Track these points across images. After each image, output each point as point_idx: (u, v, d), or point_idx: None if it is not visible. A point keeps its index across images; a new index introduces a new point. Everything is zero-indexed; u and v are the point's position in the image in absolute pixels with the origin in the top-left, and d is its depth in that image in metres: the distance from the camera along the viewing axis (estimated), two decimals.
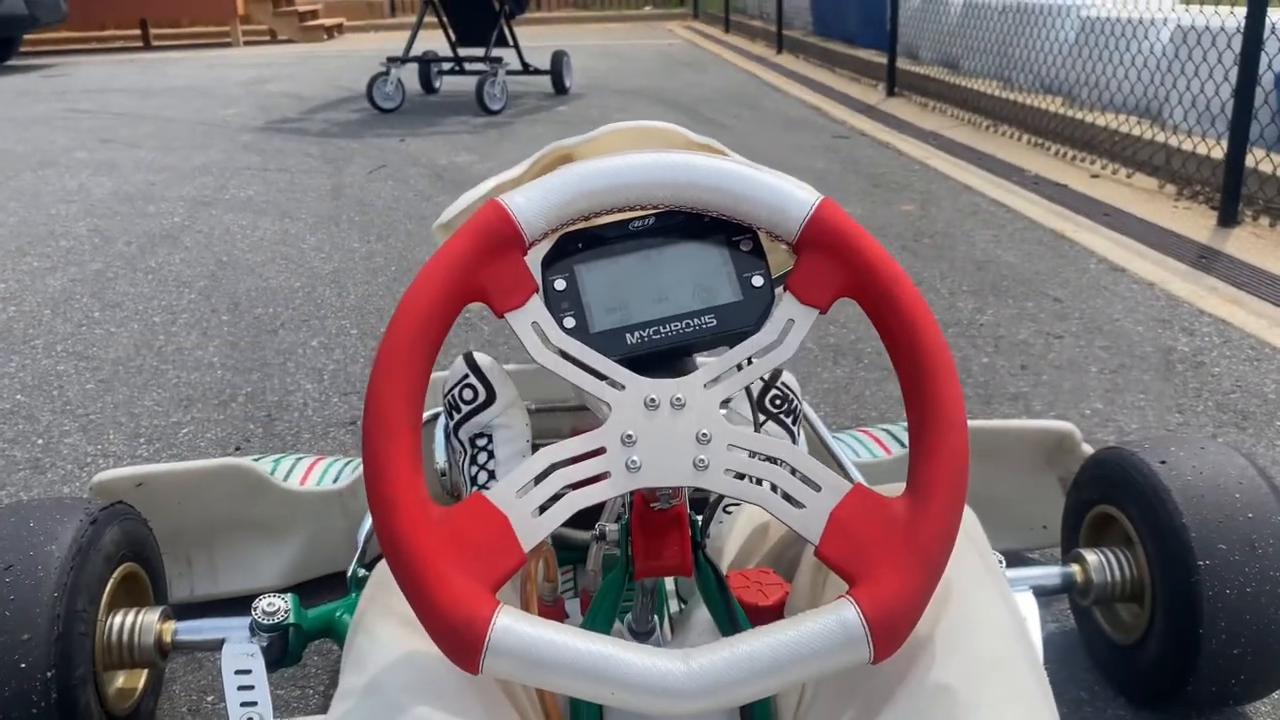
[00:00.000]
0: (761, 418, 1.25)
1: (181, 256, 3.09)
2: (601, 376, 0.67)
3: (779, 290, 0.70)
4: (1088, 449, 1.39)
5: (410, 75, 6.47)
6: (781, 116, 5.61)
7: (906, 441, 1.49)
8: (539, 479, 0.65)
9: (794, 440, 1.28)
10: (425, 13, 6.17)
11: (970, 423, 1.49)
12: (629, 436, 0.65)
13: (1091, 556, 1.17)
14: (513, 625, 0.59)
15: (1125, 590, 1.15)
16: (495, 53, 6.04)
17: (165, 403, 2.06)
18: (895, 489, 0.67)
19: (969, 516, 0.82)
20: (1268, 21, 3.05)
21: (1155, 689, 1.14)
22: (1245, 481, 1.11)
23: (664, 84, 7.09)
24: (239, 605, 1.19)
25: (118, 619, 1.06)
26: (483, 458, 1.23)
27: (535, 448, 1.38)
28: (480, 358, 1.27)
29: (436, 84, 6.72)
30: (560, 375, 0.67)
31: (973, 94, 5.42)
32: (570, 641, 0.59)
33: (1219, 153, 3.30)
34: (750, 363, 0.69)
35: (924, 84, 6.02)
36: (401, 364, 0.64)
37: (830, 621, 0.61)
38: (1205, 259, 2.90)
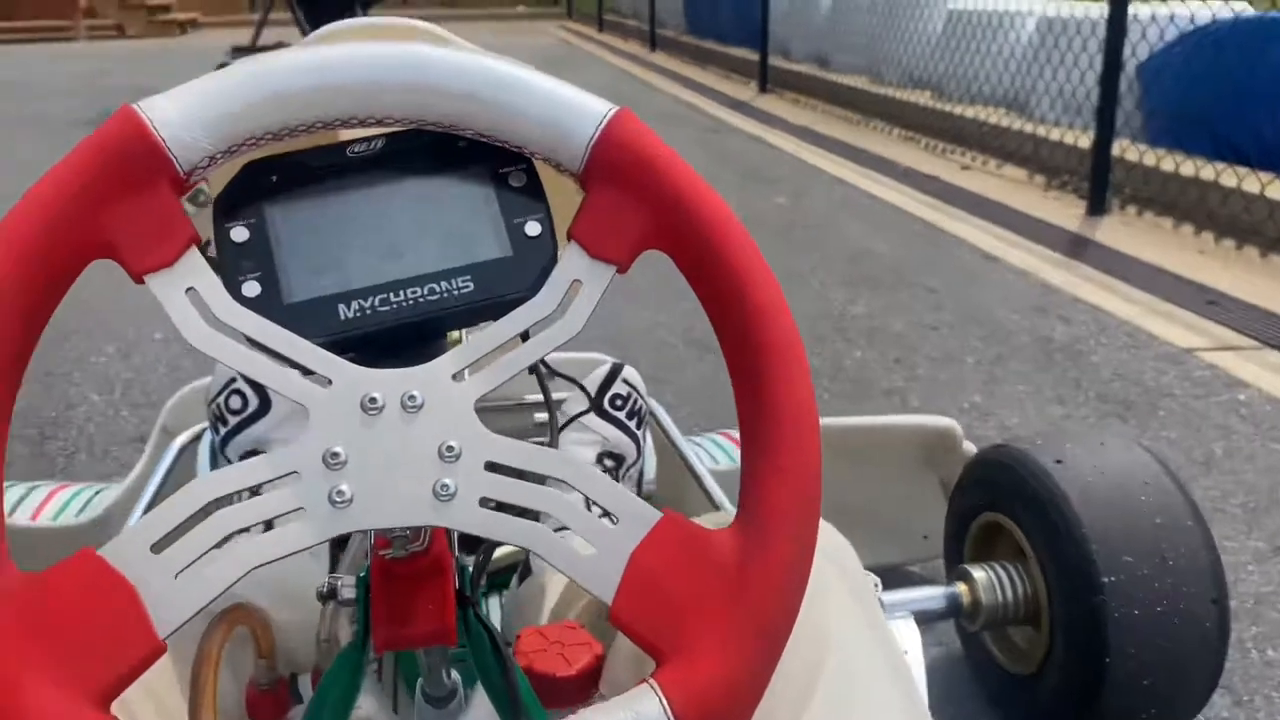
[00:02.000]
0: (601, 422, 1.05)
1: None
2: (297, 367, 0.45)
3: (563, 241, 0.50)
4: (970, 448, 1.23)
5: None
6: (655, 112, 5.45)
7: None
8: (190, 522, 0.43)
9: (639, 448, 1.08)
10: (275, 2, 5.82)
11: (840, 420, 1.32)
12: (334, 456, 0.44)
13: (979, 574, 1.01)
14: None
15: (1019, 612, 0.99)
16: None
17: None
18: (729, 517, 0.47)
19: (834, 537, 0.63)
20: (1130, 11, 3.02)
21: None
22: (1151, 482, 0.95)
23: None
24: None
25: None
26: None
27: None
28: None
29: None
30: (229, 365, 0.45)
31: (844, 89, 5.36)
32: None
33: (1086, 142, 3.26)
34: (524, 340, 0.48)
35: (796, 80, 5.96)
36: None
37: None
38: (1077, 247, 2.84)
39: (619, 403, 1.06)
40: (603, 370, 1.08)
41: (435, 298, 0.48)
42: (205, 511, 0.43)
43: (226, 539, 0.43)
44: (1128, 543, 0.91)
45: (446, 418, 0.45)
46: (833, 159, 4.11)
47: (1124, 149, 3.18)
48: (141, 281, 0.45)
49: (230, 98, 0.45)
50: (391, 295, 0.48)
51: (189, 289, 0.45)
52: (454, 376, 0.46)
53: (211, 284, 0.45)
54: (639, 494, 1.15)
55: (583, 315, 0.47)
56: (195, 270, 0.45)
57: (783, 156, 4.15)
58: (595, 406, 1.05)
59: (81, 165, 0.44)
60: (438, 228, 0.49)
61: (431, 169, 0.50)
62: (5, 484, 1.17)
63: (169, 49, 9.16)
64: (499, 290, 0.49)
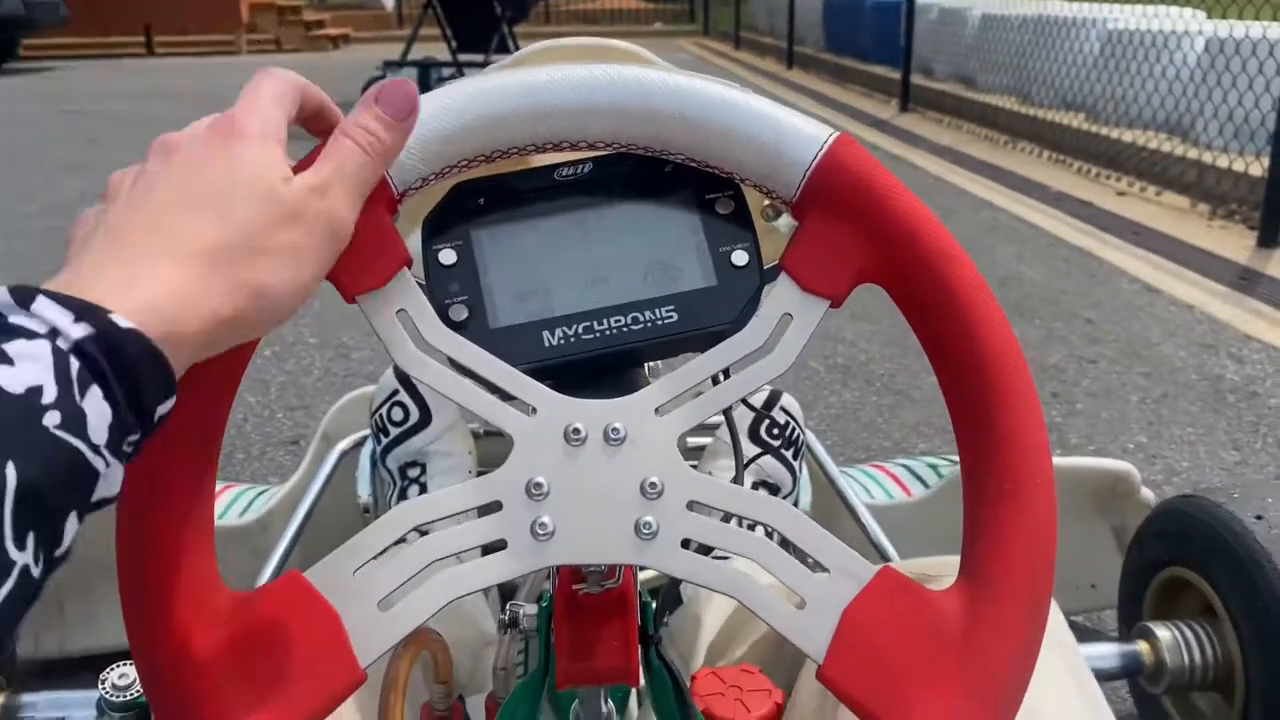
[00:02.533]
0: (756, 450, 1.02)
1: (83, 186, 2.88)
2: (502, 394, 0.44)
3: (771, 272, 0.48)
4: (1149, 495, 1.15)
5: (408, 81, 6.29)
6: None
7: (930, 479, 1.27)
8: (393, 549, 0.42)
9: (795, 479, 1.05)
10: (424, 18, 5.99)
11: None
12: (537, 487, 0.43)
13: (1163, 632, 0.94)
14: None
15: (1207, 676, 0.92)
16: (496, 59, 5.86)
17: None
18: (942, 565, 0.44)
19: None
20: None
21: None
22: None
23: None
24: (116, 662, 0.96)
25: None
26: (413, 491, 1.01)
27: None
28: None
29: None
30: (438, 390, 0.44)
31: (989, 109, 5.20)
32: None
33: (1258, 170, 3.07)
34: (727, 376, 0.46)
35: (939, 99, 5.81)
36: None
37: None
38: (1246, 281, 2.67)
39: (776, 431, 1.03)
40: (760, 396, 1.05)
41: (639, 327, 0.47)
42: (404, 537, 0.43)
43: (427, 568, 0.42)
44: None
45: (649, 453, 0.44)
46: (979, 180, 3.98)
47: None
48: (353, 301, 0.44)
49: (445, 120, 0.44)
50: (595, 323, 0.47)
51: (399, 310, 0.44)
52: (657, 410, 0.44)
53: (421, 306, 0.44)
54: None
55: (792, 352, 0.45)
56: (406, 292, 0.44)
57: (926, 177, 4.05)
58: (752, 435, 1.02)
59: None
60: (642, 255, 0.48)
61: (637, 194, 0.49)
62: None
63: (323, 63, 9.55)
64: (704, 321, 0.47)
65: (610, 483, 0.43)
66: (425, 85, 6.53)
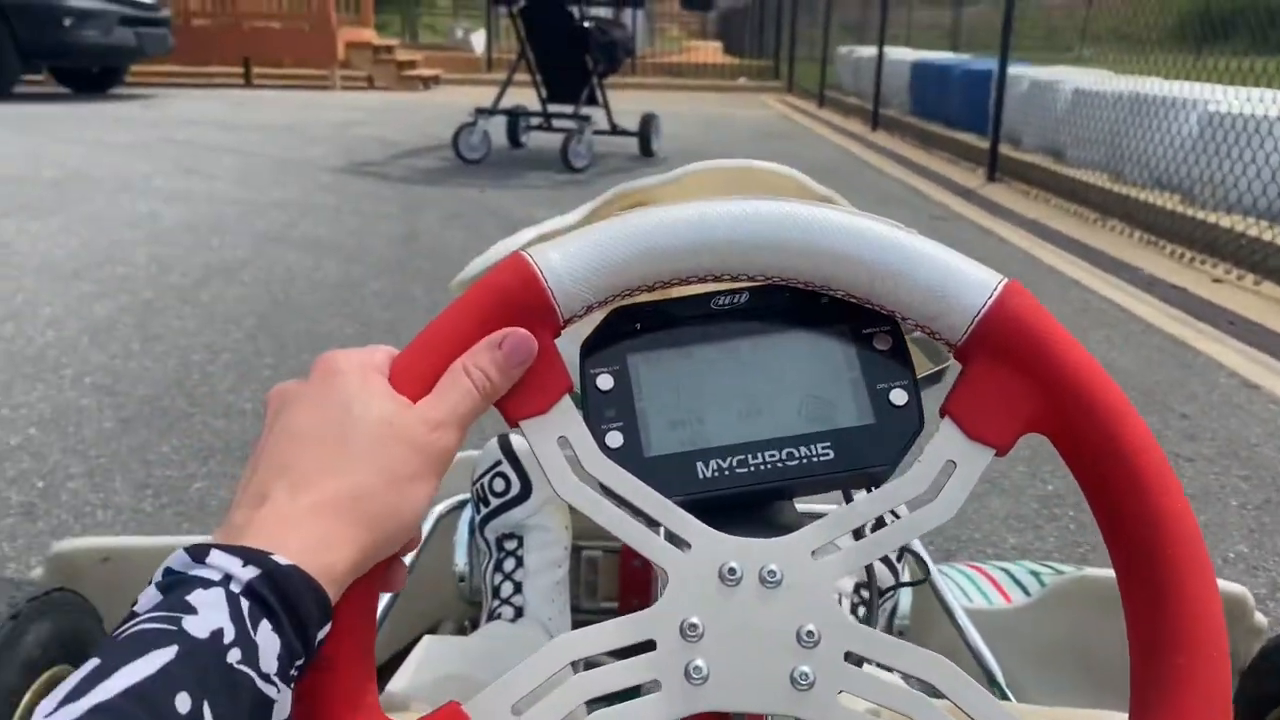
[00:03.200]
0: (889, 587, 1.00)
1: (236, 292, 2.96)
2: (657, 526, 0.44)
3: (933, 414, 0.47)
4: (1262, 620, 1.11)
5: (498, 128, 6.41)
6: (878, 193, 5.38)
7: (1032, 587, 1.24)
8: (548, 684, 0.42)
9: (897, 577, 1.03)
10: (518, 67, 6.12)
11: (1098, 571, 1.21)
12: (692, 627, 0.42)
13: None
14: None
15: None
16: (584, 111, 5.94)
17: (183, 451, 1.88)
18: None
19: None
20: None
21: None
22: None
23: (754, 152, 6.90)
24: None
25: None
26: (509, 564, 1.01)
27: (578, 553, 1.16)
28: (519, 441, 1.05)
29: (523, 138, 6.65)
30: (597, 519, 0.44)
31: (1079, 184, 5.13)
32: None
33: None
34: (888, 520, 0.46)
35: (1026, 171, 5.76)
36: None
37: None
38: None
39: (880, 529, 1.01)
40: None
41: (794, 463, 0.46)
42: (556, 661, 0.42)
43: (581, 707, 0.41)
44: None
45: (806, 598, 0.43)
46: (1067, 258, 3.92)
47: None
48: (515, 426, 0.45)
49: (614, 252, 0.45)
50: (750, 457, 0.46)
51: (560, 437, 0.44)
52: (814, 554, 0.44)
53: (581, 434, 0.45)
54: (891, 629, 1.09)
55: (956, 501, 0.44)
56: (567, 419, 0.45)
57: (1014, 252, 4.00)
58: (856, 533, 1.00)
59: (477, 307, 0.44)
60: (798, 388, 0.47)
61: (793, 325, 0.49)
62: None
63: (414, 103, 9.80)
64: (860, 461, 0.46)
65: (766, 628, 0.42)
66: (515, 133, 6.66)
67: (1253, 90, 4.09)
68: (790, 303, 0.49)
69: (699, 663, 0.42)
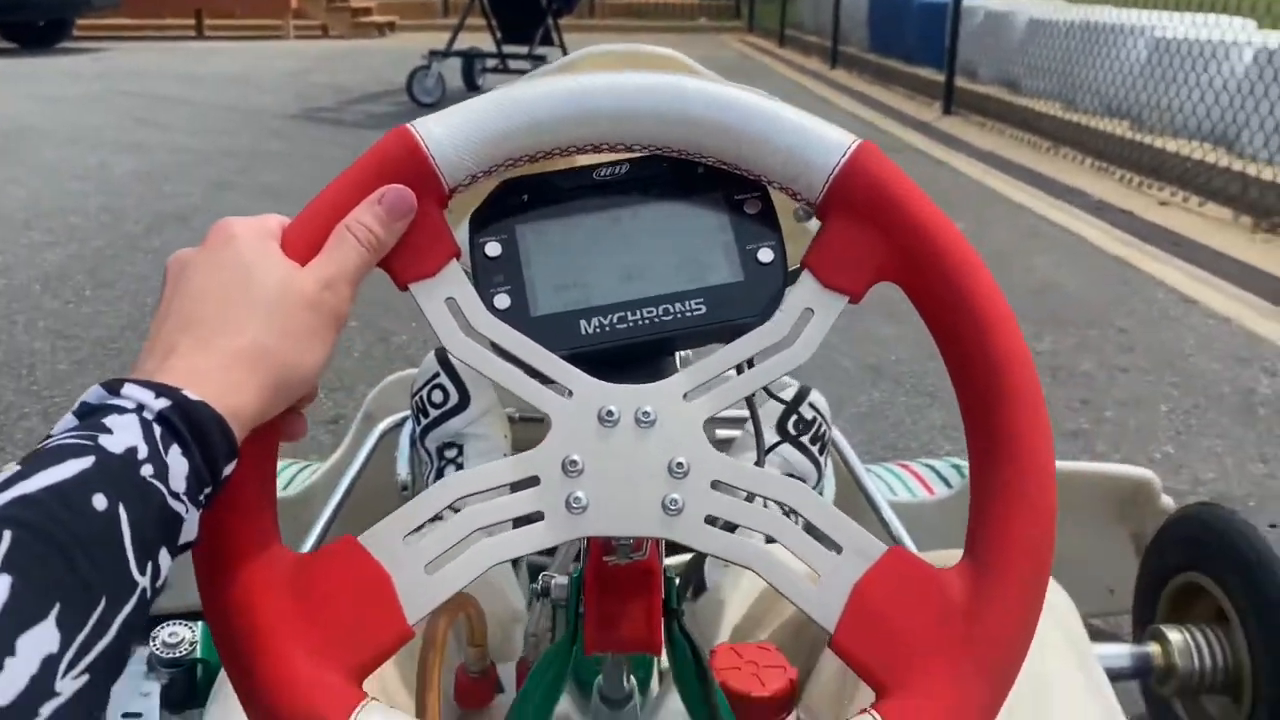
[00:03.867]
0: (777, 439, 1.05)
1: (188, 238, 2.94)
2: (541, 377, 0.48)
3: (795, 269, 0.51)
4: (1169, 503, 1.17)
5: (453, 71, 6.35)
6: None
7: (954, 480, 1.30)
8: (439, 518, 0.46)
9: (821, 474, 1.08)
10: (471, 9, 6.05)
11: None
12: (573, 463, 0.46)
13: (1175, 635, 0.96)
14: None
15: (1217, 680, 0.94)
16: (540, 51, 5.90)
17: None
18: (949, 557, 0.47)
19: (1053, 587, 0.61)
20: None
21: None
22: None
23: None
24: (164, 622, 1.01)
25: None
26: (450, 472, 1.05)
27: None
28: None
29: (479, 80, 6.58)
30: (482, 372, 0.48)
31: (1033, 114, 5.17)
32: None
33: None
34: (751, 366, 0.49)
35: (982, 103, 5.79)
36: None
37: None
38: None
39: (803, 426, 1.06)
40: (789, 392, 1.08)
41: (669, 318, 0.50)
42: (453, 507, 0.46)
43: (469, 535, 0.45)
44: None
45: (677, 435, 0.47)
46: (1019, 186, 3.97)
47: None
48: (406, 289, 0.48)
49: (494, 123, 0.48)
50: (629, 314, 0.50)
51: (448, 298, 0.48)
52: (686, 395, 0.48)
53: (468, 295, 0.48)
54: None
55: (812, 344, 0.48)
56: (455, 281, 0.48)
57: (966, 182, 4.04)
58: (779, 428, 1.05)
59: (362, 178, 0.47)
60: (674, 251, 0.51)
61: (671, 194, 0.52)
62: None
63: (369, 50, 9.65)
64: (730, 314, 0.50)
65: (640, 462, 0.46)
66: (470, 75, 6.60)
67: (1198, 15, 4.13)
68: (668, 172, 0.52)
69: (579, 494, 0.46)
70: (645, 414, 0.47)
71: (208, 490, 0.38)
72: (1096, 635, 1.24)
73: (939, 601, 0.43)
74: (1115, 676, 0.97)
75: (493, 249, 0.50)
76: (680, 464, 0.46)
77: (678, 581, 0.60)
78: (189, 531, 0.37)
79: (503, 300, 0.50)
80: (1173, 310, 2.51)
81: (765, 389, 0.84)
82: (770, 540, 0.46)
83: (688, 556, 0.92)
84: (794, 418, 1.06)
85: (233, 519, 0.43)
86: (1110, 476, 1.20)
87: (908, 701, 0.41)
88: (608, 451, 0.46)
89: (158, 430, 0.36)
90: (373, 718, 0.40)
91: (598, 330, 0.49)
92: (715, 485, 0.46)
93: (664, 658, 0.60)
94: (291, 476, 1.25)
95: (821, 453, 1.07)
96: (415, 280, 0.48)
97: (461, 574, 0.44)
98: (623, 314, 0.50)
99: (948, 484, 1.24)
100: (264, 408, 0.42)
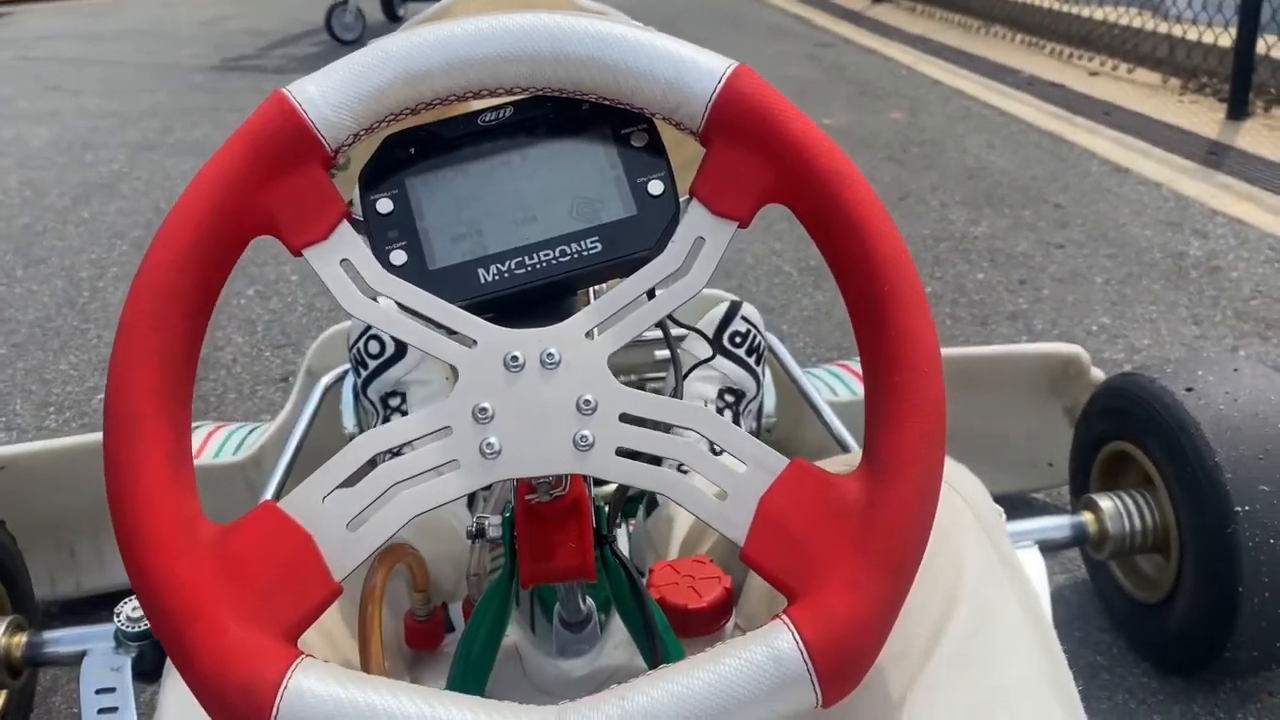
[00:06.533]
0: (711, 354, 1.06)
1: (117, 206, 2.89)
2: (445, 329, 0.49)
3: (685, 199, 0.52)
4: (1098, 375, 1.21)
5: (372, 3, 6.17)
6: (763, 26, 5.33)
7: None
8: (357, 477, 0.47)
9: (759, 382, 1.10)
10: None
11: (965, 350, 1.31)
12: (482, 411, 0.47)
13: (1106, 503, 1.00)
14: (312, 688, 0.42)
15: (1147, 541, 0.98)
16: None
17: (82, 366, 1.88)
18: (856, 459, 0.49)
19: (961, 472, 0.64)
20: None
21: (1185, 653, 0.98)
22: None
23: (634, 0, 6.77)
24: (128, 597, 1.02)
25: None
26: (396, 420, 1.06)
27: None
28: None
29: (400, 10, 6.40)
30: (386, 330, 0.48)
31: None
32: (390, 706, 0.42)
33: (1227, 40, 3.07)
34: (651, 297, 0.51)
35: None
36: (150, 330, 0.46)
37: (757, 655, 0.43)
38: (1215, 155, 2.69)
39: (738, 339, 1.08)
40: (721, 308, 1.09)
41: (566, 259, 0.51)
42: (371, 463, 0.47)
43: (388, 490, 0.47)
44: (1262, 471, 0.89)
45: (582, 373, 0.48)
46: (951, 69, 3.96)
47: (1270, 46, 2.98)
48: (299, 254, 0.48)
49: (369, 79, 0.48)
50: (526, 259, 0.51)
51: (343, 260, 0.48)
52: (587, 334, 0.49)
53: (363, 255, 0.48)
54: (759, 429, 1.17)
55: (706, 271, 0.49)
56: (348, 242, 0.48)
57: (897, 68, 4.02)
58: (715, 344, 1.07)
59: (242, 149, 0.47)
60: (566, 191, 0.52)
61: (557, 133, 0.52)
62: None
63: None
64: (626, 249, 0.51)
65: (548, 402, 0.47)
66: (390, 6, 6.41)
67: None
68: (552, 113, 0.52)
69: (491, 439, 0.47)
70: (550, 355, 0.48)
71: None
72: (1039, 509, 1.29)
73: (837, 507, 0.45)
74: (1056, 546, 1.02)
75: (384, 205, 0.51)
76: (588, 400, 0.47)
77: (607, 509, 0.62)
78: None
79: (399, 256, 0.50)
80: (1105, 181, 2.54)
81: (675, 321, 0.86)
82: (681, 467, 0.48)
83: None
84: (729, 331, 1.07)
85: (148, 496, 0.44)
86: (1041, 355, 1.24)
87: (812, 604, 0.43)
88: (515, 396, 0.47)
89: None
90: (309, 673, 0.42)
91: (496, 278, 0.50)
92: (624, 418, 0.48)
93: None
94: (241, 440, 1.25)
95: (758, 363, 1.09)
96: (307, 245, 0.48)
97: (384, 528, 0.46)
98: (520, 259, 0.51)
99: None
100: None
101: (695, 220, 0.49)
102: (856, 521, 0.45)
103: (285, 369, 1.82)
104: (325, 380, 1.19)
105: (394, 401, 1.08)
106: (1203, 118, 3.03)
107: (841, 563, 0.44)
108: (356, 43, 5.61)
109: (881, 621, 0.44)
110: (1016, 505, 1.21)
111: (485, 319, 0.48)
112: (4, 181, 3.22)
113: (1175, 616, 0.97)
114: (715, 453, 0.49)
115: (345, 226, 0.48)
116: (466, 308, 0.49)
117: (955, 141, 2.95)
